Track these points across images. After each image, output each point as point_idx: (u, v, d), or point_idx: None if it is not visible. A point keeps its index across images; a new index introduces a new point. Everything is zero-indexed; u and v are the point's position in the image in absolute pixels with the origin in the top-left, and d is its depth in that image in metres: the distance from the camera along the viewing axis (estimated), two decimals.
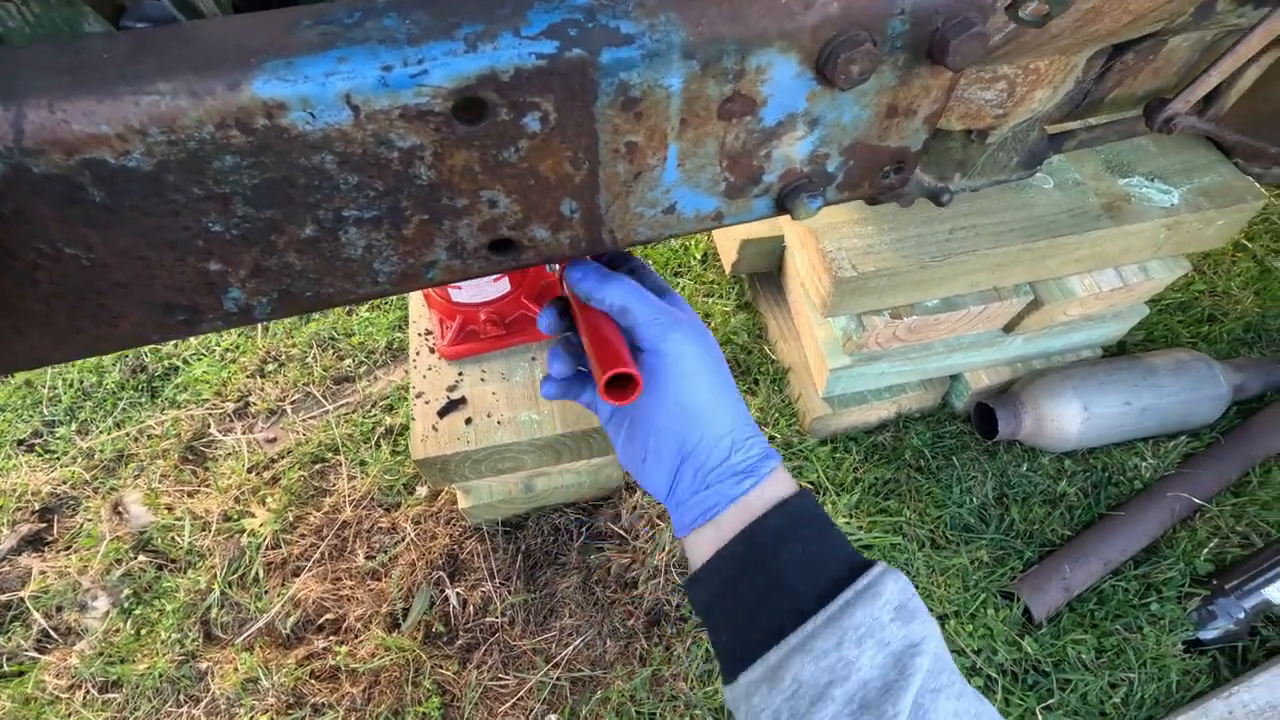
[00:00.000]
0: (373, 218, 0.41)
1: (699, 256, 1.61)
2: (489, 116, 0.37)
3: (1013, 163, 0.94)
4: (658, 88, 0.39)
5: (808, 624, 0.43)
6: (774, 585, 0.46)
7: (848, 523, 1.26)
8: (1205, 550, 1.21)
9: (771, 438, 1.35)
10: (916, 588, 1.18)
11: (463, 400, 1.07)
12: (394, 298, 1.59)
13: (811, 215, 0.49)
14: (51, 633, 1.18)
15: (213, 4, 0.37)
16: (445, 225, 0.43)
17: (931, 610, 1.18)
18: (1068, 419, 1.28)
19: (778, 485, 0.49)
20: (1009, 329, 1.27)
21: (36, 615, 1.18)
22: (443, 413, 1.06)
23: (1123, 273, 1.20)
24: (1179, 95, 0.77)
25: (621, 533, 1.27)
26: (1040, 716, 1.09)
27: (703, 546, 0.49)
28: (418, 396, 1.08)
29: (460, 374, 1.10)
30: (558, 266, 0.61)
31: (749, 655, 0.45)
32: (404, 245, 0.44)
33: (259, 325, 1.56)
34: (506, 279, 1.05)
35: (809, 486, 0.56)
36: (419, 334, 1.14)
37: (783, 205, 0.49)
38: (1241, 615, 1.13)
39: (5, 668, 1.16)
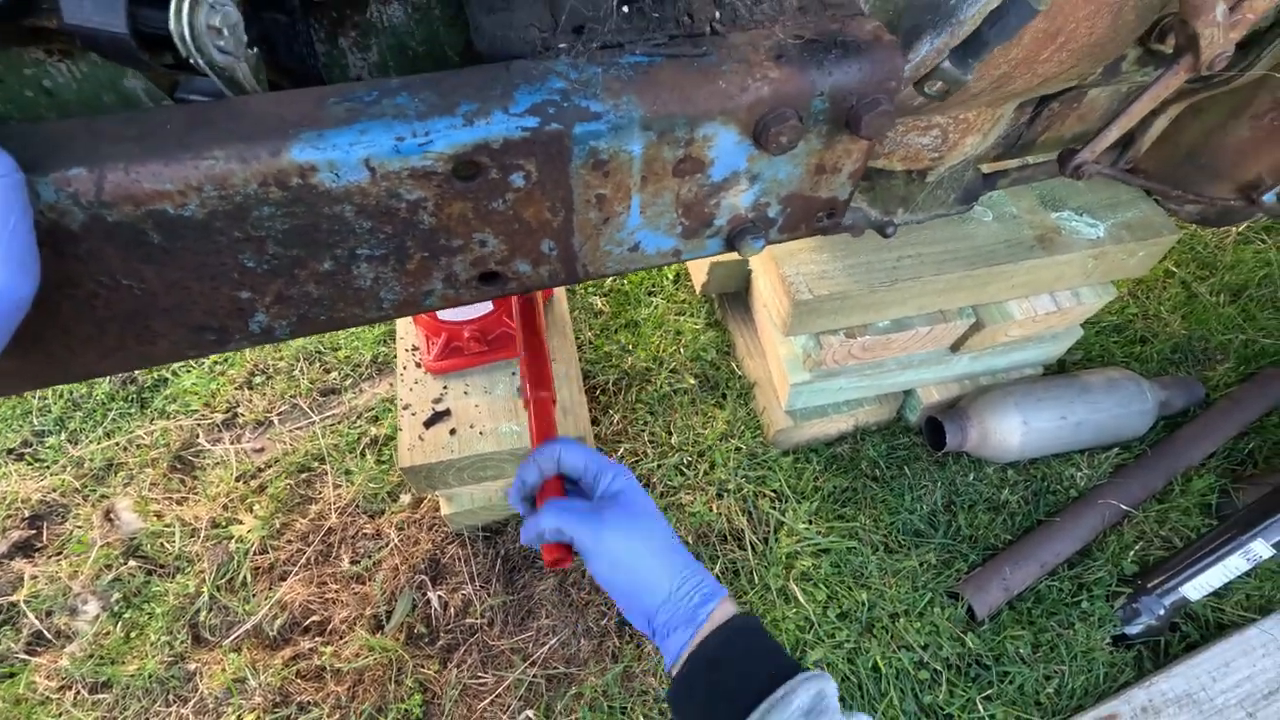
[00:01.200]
0: (381, 255, 0.49)
1: (671, 278, 1.70)
2: (481, 175, 0.45)
3: (950, 199, 1.04)
4: (622, 152, 0.47)
5: None
6: (716, 698, 0.58)
7: (808, 528, 1.34)
8: (1131, 553, 1.32)
9: (737, 448, 1.43)
10: (869, 589, 1.28)
11: (447, 412, 1.14)
12: None
13: (756, 253, 0.58)
14: (44, 634, 1.22)
15: (253, 81, 0.44)
16: (442, 261, 0.51)
17: (883, 609, 1.27)
18: (1009, 432, 1.38)
19: (723, 613, 0.61)
20: (955, 348, 1.37)
21: (30, 617, 1.21)
22: (428, 424, 1.13)
23: (1056, 298, 1.31)
24: (1086, 146, 0.87)
25: None
26: (980, 706, 1.18)
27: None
28: (405, 408, 1.14)
29: (445, 388, 1.17)
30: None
31: None
32: (406, 277, 0.52)
33: None
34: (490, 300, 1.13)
35: (749, 612, 0.70)
36: (406, 349, 1.21)
37: (731, 244, 0.58)
38: (1162, 612, 1.24)
39: None
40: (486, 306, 1.14)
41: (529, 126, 0.44)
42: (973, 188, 1.06)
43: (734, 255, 1.42)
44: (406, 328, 1.23)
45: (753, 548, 1.33)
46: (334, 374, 1.56)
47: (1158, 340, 1.61)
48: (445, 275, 0.52)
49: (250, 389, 1.54)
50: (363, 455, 1.45)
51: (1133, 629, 1.25)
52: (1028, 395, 1.40)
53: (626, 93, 0.45)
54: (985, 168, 1.12)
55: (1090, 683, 1.21)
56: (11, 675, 1.19)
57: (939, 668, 1.22)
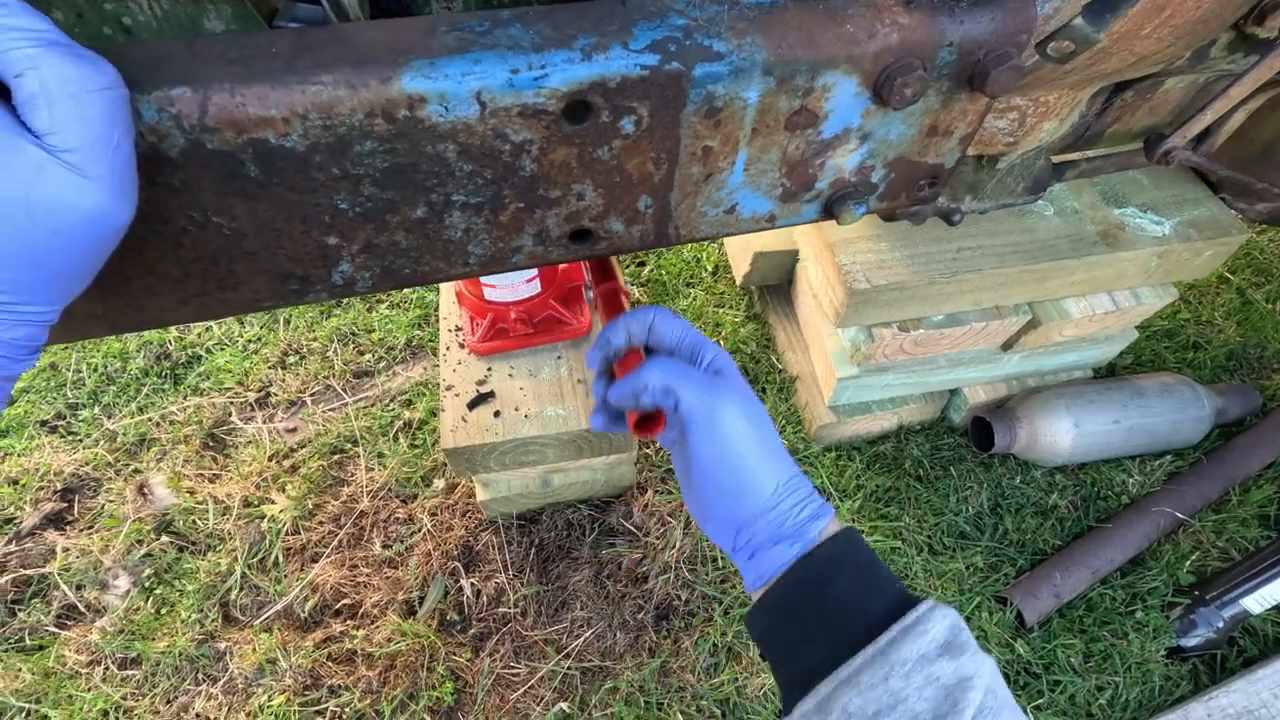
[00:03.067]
0: (476, 203, 0.46)
1: (710, 269, 1.67)
2: (592, 117, 0.43)
3: (1019, 188, 1.01)
4: (738, 99, 0.44)
5: (856, 657, 0.44)
6: (824, 619, 0.48)
7: (850, 525, 1.31)
8: (1188, 562, 1.27)
9: None
10: (912, 589, 1.24)
11: (491, 394, 1.12)
12: (415, 297, 1.63)
13: (855, 221, 0.55)
14: (75, 607, 1.20)
15: (358, 9, 0.42)
16: (536, 214, 0.49)
17: None
18: (1060, 435, 1.34)
19: (831, 531, 0.51)
20: (1007, 347, 1.33)
21: (63, 588, 1.20)
22: (472, 405, 1.11)
23: (1115, 297, 1.27)
24: (1176, 131, 0.84)
25: (633, 529, 1.31)
26: (1031, 715, 1.14)
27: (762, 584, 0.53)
28: (448, 389, 1.12)
29: (489, 369, 1.15)
30: (598, 307, 0.69)
31: (804, 687, 0.46)
32: (498, 230, 0.49)
33: (281, 318, 1.59)
34: (538, 280, 1.11)
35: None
36: (449, 329, 1.19)
37: (829, 211, 0.55)
38: (1221, 624, 1.19)
39: (27, 641, 1.17)
40: (534, 288, 1.12)
41: (648, 65, 0.41)
42: (1042, 177, 1.02)
43: (781, 244, 1.40)
44: (450, 308, 1.21)
45: None
46: (367, 356, 1.55)
47: (1211, 347, 1.56)
48: (537, 230, 0.50)
49: (284, 368, 1.53)
50: (395, 439, 1.43)
51: (1189, 641, 1.20)
52: (1079, 397, 1.36)
53: (751, 33, 0.42)
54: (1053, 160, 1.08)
55: (1145, 695, 1.17)
56: (41, 648, 1.17)
57: None
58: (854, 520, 1.32)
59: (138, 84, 0.36)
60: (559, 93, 0.41)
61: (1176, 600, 1.24)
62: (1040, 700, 1.16)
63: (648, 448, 1.40)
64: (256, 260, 0.45)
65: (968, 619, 1.23)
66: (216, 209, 0.41)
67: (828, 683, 0.45)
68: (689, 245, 1.72)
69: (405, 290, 1.65)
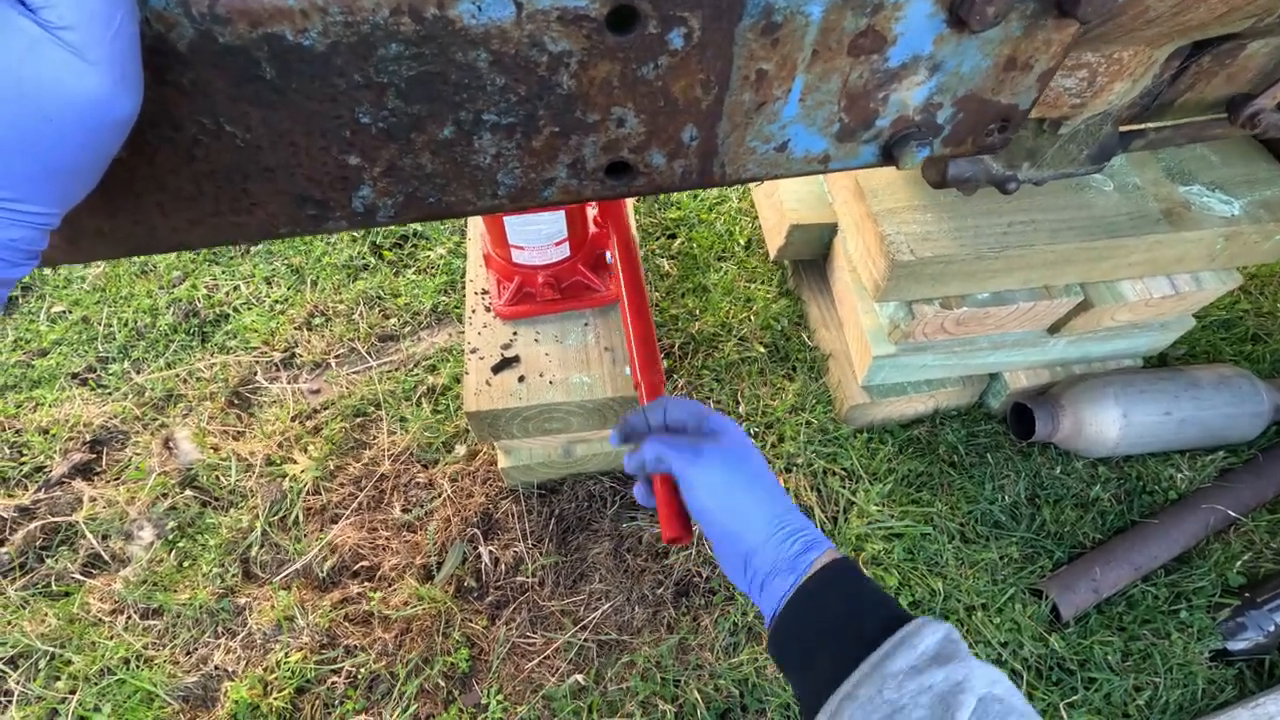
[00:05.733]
0: (508, 124, 0.43)
1: (743, 243, 1.63)
2: (638, 28, 0.39)
3: (1082, 155, 0.95)
4: (799, 14, 0.40)
5: (854, 674, 0.48)
6: (824, 641, 0.52)
7: (880, 510, 1.26)
8: (1238, 563, 1.21)
9: (808, 423, 1.36)
10: (944, 578, 1.20)
11: (516, 359, 1.09)
12: (441, 263, 1.61)
13: (917, 165, 0.50)
14: (100, 556, 1.21)
15: None
16: (572, 140, 0.45)
17: (959, 601, 1.19)
18: (1107, 425, 1.28)
19: (826, 560, 0.56)
20: (1054, 330, 1.27)
21: (89, 538, 1.21)
22: (496, 369, 1.08)
23: (1175, 281, 1.20)
24: (1265, 93, 0.77)
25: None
26: (1064, 713, 1.09)
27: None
28: (472, 352, 1.10)
29: (515, 333, 1.12)
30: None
31: (815, 706, 0.50)
32: (530, 158, 0.46)
33: (308, 280, 1.59)
34: (567, 244, 1.07)
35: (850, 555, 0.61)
36: (475, 292, 1.16)
37: (889, 154, 0.51)
38: (1271, 629, 1.13)
39: (53, 587, 1.19)
40: (564, 252, 1.08)
41: None
42: (1108, 145, 0.96)
43: (818, 216, 1.34)
44: (477, 270, 1.19)
45: (821, 526, 1.26)
46: (393, 320, 1.53)
47: (1272, 340, 1.48)
48: (572, 160, 0.46)
49: (309, 330, 1.52)
50: (419, 404, 1.41)
51: (1236, 644, 1.14)
52: (1128, 387, 1.30)
53: None
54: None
55: (1186, 698, 1.11)
56: (67, 594, 1.18)
57: (1019, 668, 1.13)
58: (884, 504, 1.27)
59: None
60: None
61: (1224, 602, 1.17)
62: (1074, 698, 1.11)
63: None
64: (273, 178, 0.42)
65: (999, 610, 1.18)
66: (230, 116, 0.38)
67: (833, 700, 0.48)
68: (722, 217, 1.68)
69: (432, 256, 1.63)
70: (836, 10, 0.41)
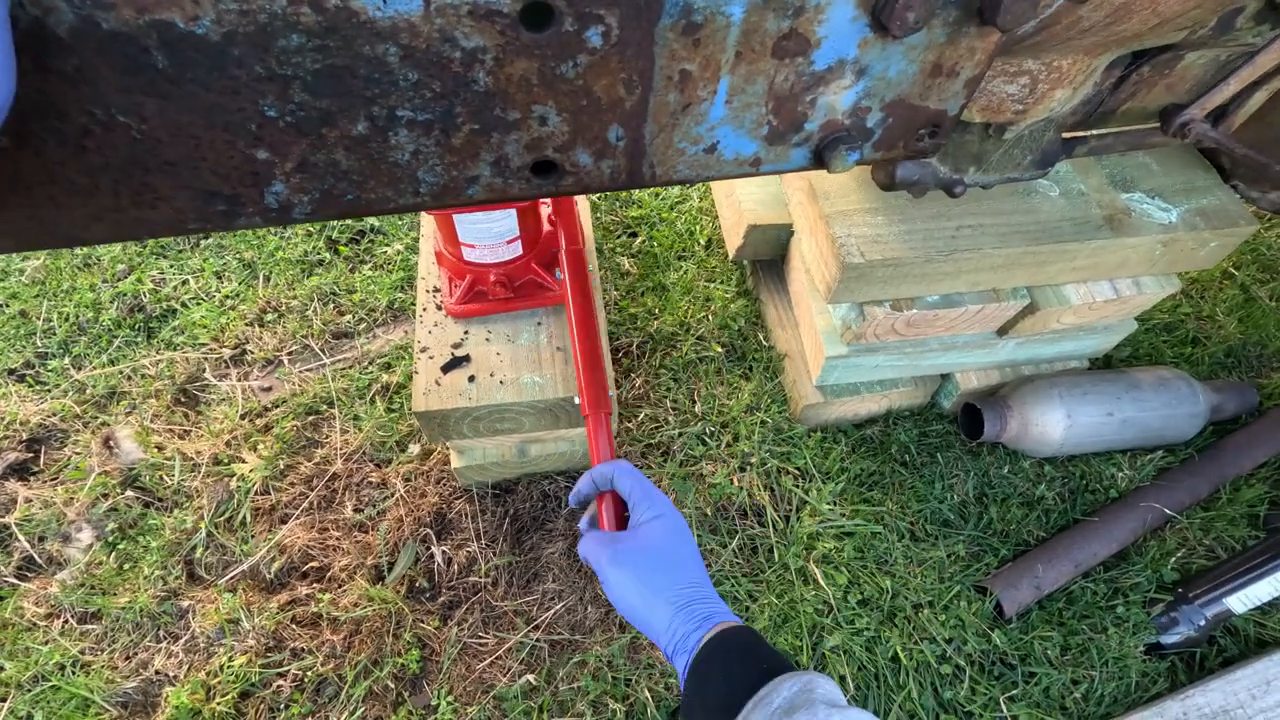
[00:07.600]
0: (425, 121, 0.42)
1: (703, 242, 1.63)
2: (554, 24, 0.38)
3: (1026, 160, 0.96)
4: (719, 15, 0.40)
5: None
6: (707, 710, 0.58)
7: (832, 509, 1.28)
8: (1172, 559, 1.25)
9: (763, 422, 1.37)
10: (892, 577, 1.22)
11: (467, 358, 1.08)
12: (399, 259, 1.59)
13: (847, 169, 0.50)
14: (35, 559, 1.17)
15: None
16: (494, 139, 0.44)
17: (906, 599, 1.21)
18: (1052, 425, 1.31)
19: (713, 631, 0.63)
20: (1003, 332, 1.30)
21: (22, 541, 1.16)
22: (446, 368, 1.07)
23: (1117, 285, 1.23)
24: (1195, 103, 0.80)
25: None
26: (1004, 706, 1.12)
27: None
28: (422, 351, 1.08)
29: (466, 332, 1.11)
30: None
31: None
32: (451, 155, 0.45)
33: (261, 275, 1.55)
34: (520, 242, 1.06)
35: (747, 624, 0.68)
36: (427, 290, 1.15)
37: (820, 157, 0.51)
38: (1202, 623, 1.17)
39: None
40: (516, 250, 1.07)
41: None
42: (1051, 151, 0.98)
43: (775, 217, 1.35)
44: (429, 268, 1.17)
45: (774, 525, 1.27)
46: (348, 317, 1.50)
47: (1211, 342, 1.53)
48: (495, 158, 0.45)
49: (261, 326, 1.48)
50: (373, 402, 1.39)
51: (1169, 638, 1.18)
52: (1073, 388, 1.33)
53: None
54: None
55: (1120, 690, 1.15)
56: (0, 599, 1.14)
57: (962, 663, 1.16)
58: (835, 503, 1.29)
59: None
60: None
61: (1159, 597, 1.21)
62: (1014, 691, 1.14)
63: (628, 421, 1.37)
64: (176, 172, 0.41)
65: (945, 607, 1.20)
66: (122, 106, 0.37)
67: None
68: (683, 216, 1.68)
69: (389, 252, 1.60)
70: (758, 11, 0.41)
